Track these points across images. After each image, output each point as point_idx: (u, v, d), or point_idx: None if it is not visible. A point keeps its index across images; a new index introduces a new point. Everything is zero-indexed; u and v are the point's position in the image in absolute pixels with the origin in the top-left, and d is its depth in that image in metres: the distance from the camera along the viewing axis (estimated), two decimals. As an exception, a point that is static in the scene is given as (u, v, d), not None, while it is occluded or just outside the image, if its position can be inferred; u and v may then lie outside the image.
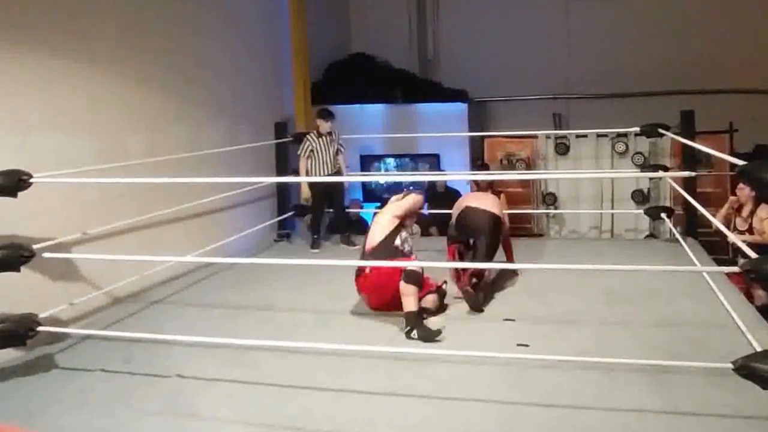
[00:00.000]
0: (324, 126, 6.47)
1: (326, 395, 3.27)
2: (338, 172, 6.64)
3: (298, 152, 6.58)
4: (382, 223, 4.54)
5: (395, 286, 4.13)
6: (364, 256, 4.47)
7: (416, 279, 4.10)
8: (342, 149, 6.65)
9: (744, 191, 5.68)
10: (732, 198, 5.92)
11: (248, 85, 7.09)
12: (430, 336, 3.91)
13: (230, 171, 6.17)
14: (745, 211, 5.70)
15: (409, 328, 3.98)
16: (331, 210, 6.83)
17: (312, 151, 6.46)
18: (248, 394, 3.31)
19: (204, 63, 6.23)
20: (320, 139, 6.46)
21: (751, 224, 5.64)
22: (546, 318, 4.27)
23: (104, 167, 4.52)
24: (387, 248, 4.41)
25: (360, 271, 4.42)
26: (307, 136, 6.55)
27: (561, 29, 9.59)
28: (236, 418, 3.07)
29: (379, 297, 4.34)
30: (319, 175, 6.47)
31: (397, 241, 4.49)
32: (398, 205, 4.62)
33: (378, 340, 3.96)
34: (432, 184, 8.10)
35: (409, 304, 4.06)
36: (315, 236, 6.56)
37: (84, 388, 3.43)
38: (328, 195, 6.61)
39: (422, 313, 4.19)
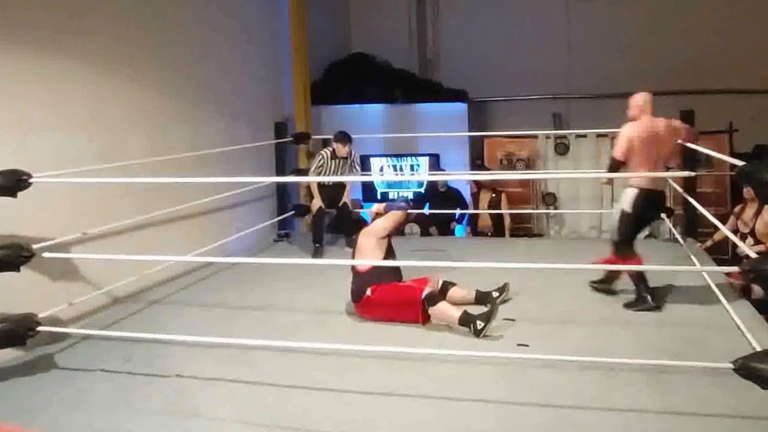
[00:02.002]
0: (341, 150, 6.25)
1: (326, 395, 3.27)
2: (342, 189, 6.45)
3: (311, 169, 6.40)
4: (369, 245, 4.51)
5: (404, 315, 4.18)
6: (357, 276, 4.43)
7: (437, 299, 4.14)
8: (355, 170, 6.47)
9: (749, 192, 5.62)
10: (735, 211, 5.89)
11: (248, 84, 7.09)
12: (490, 316, 3.92)
13: (230, 171, 6.18)
14: (749, 213, 5.66)
15: (472, 324, 3.93)
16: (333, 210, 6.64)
17: (322, 168, 6.27)
18: (248, 393, 3.31)
19: (204, 63, 6.23)
20: (333, 161, 6.27)
21: (754, 225, 5.59)
22: (546, 318, 4.27)
23: (104, 167, 4.52)
24: (383, 270, 4.40)
25: (359, 295, 4.37)
26: (322, 152, 6.35)
27: (561, 29, 9.58)
28: (236, 417, 3.07)
29: (386, 319, 4.29)
30: (322, 194, 6.28)
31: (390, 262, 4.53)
32: (381, 227, 4.61)
33: (377, 340, 3.95)
34: (433, 184, 8.11)
35: (452, 316, 4.05)
36: (317, 245, 6.32)
37: (84, 387, 3.43)
38: (333, 206, 6.44)
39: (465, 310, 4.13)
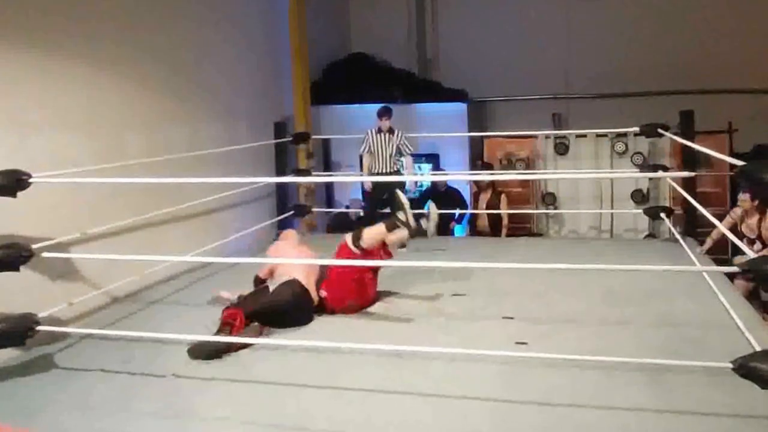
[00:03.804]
0: (383, 124, 6.60)
1: (323, 394, 3.27)
2: (398, 172, 6.71)
3: (361, 151, 6.79)
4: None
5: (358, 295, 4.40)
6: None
7: (359, 232, 4.36)
8: (407, 151, 6.72)
9: (746, 202, 5.57)
10: (734, 211, 5.83)
11: (248, 84, 7.09)
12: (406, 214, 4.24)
13: (229, 171, 6.17)
14: (753, 219, 5.61)
15: (404, 222, 4.25)
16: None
17: (370, 146, 6.64)
18: (246, 393, 3.31)
19: (203, 62, 6.23)
20: (378, 135, 6.61)
21: (760, 233, 5.54)
22: (545, 317, 4.26)
23: (103, 167, 4.51)
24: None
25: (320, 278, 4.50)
26: (367, 131, 6.72)
27: (561, 29, 9.58)
28: (235, 417, 3.07)
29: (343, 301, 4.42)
30: (375, 173, 6.61)
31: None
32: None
33: (375, 338, 3.94)
34: (433, 184, 8.11)
35: (379, 230, 4.35)
36: (418, 222, 6.60)
37: (83, 388, 3.42)
38: (384, 193, 6.63)
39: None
